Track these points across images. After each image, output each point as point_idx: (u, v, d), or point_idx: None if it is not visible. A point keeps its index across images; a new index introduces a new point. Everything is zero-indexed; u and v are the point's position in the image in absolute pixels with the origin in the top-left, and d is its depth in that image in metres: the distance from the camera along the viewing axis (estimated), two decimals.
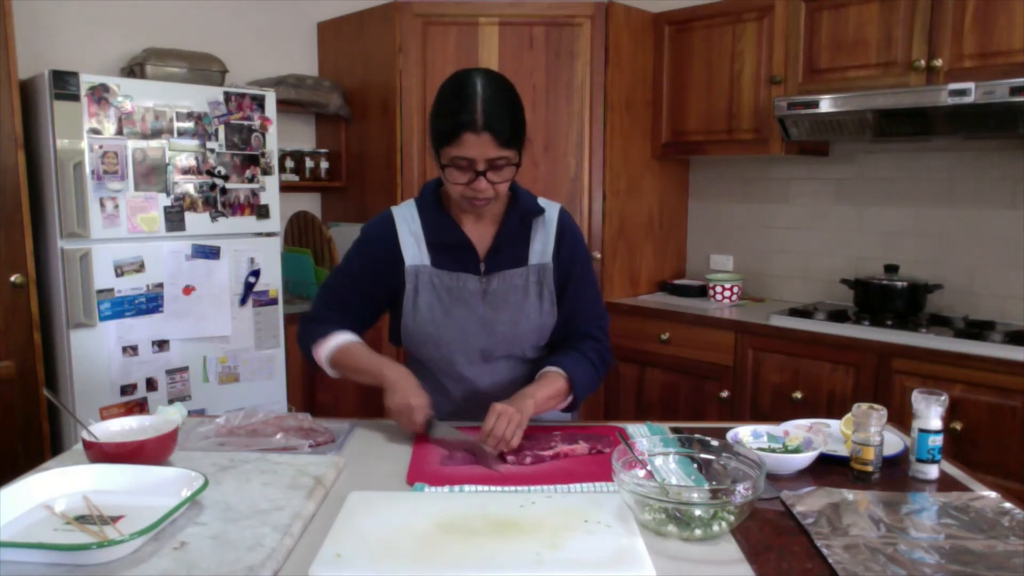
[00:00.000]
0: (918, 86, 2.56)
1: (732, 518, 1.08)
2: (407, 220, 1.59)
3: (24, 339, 2.47)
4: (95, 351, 2.53)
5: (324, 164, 3.51)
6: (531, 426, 1.48)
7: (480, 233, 1.57)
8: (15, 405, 2.46)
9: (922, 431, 1.29)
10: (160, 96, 2.60)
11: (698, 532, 1.07)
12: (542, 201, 1.61)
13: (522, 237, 1.58)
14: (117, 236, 2.55)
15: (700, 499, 1.07)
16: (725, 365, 2.93)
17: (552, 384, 1.51)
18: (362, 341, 1.61)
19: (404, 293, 1.56)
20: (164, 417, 1.41)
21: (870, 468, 1.29)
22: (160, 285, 2.65)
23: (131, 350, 2.60)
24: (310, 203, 3.70)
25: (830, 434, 1.48)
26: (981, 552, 1.03)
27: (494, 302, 1.55)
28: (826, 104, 2.69)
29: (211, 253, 2.75)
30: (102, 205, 2.50)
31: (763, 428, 1.46)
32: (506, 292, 1.55)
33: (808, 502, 1.18)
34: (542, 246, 1.58)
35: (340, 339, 1.57)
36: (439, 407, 1.53)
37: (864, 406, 1.30)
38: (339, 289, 1.63)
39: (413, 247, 1.57)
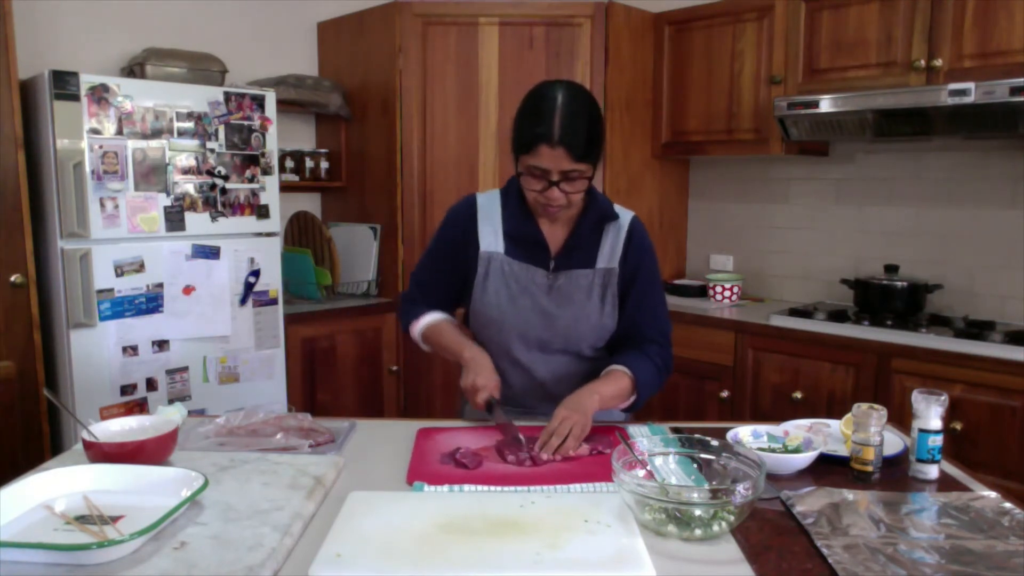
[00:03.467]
0: (918, 86, 2.56)
1: (732, 518, 1.08)
2: (488, 208, 1.66)
3: (24, 339, 2.47)
4: (95, 351, 2.53)
5: (324, 164, 3.51)
6: (533, 426, 1.49)
7: (554, 232, 1.64)
8: (15, 405, 2.46)
9: (922, 431, 1.29)
10: (160, 96, 2.60)
11: (698, 532, 1.07)
12: (619, 208, 1.67)
13: (593, 240, 1.63)
14: (117, 236, 2.54)
15: (700, 499, 1.07)
16: (725, 365, 2.93)
17: (618, 382, 1.54)
18: (451, 319, 1.71)
19: (475, 276, 1.63)
20: (164, 417, 1.41)
21: (870, 468, 1.29)
22: (160, 285, 2.65)
23: (131, 350, 2.60)
24: (310, 203, 3.70)
25: (830, 434, 1.48)
26: (981, 552, 1.03)
27: (558, 298, 1.60)
28: (826, 104, 2.69)
29: (211, 253, 2.75)
30: (102, 205, 2.50)
31: (763, 428, 1.46)
32: (571, 290, 1.60)
33: (808, 502, 1.18)
34: (611, 251, 1.62)
35: (431, 318, 1.69)
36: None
37: (864, 406, 1.30)
38: (424, 270, 1.75)
39: (490, 235, 1.64)
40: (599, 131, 1.51)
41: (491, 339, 1.64)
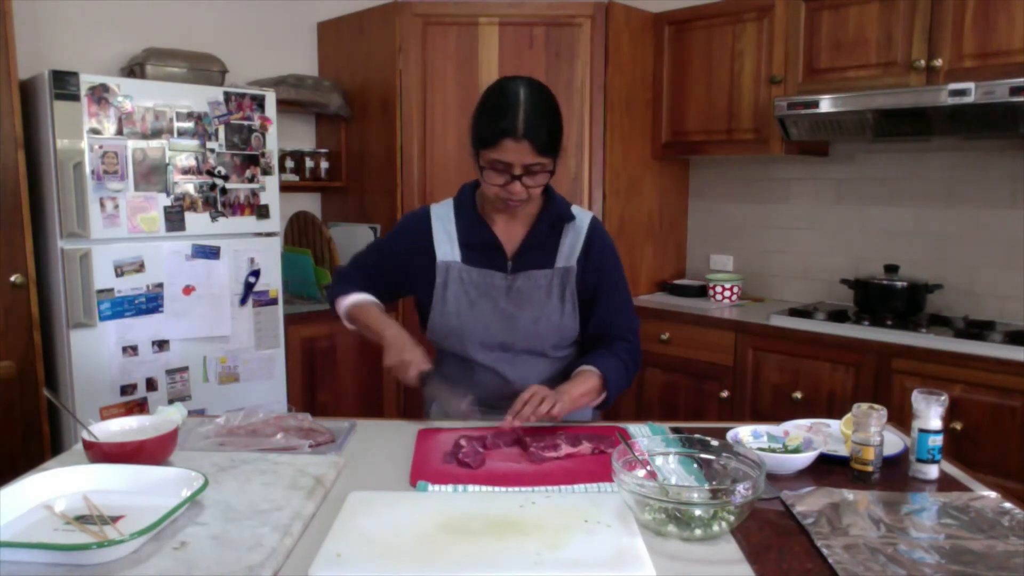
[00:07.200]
0: (918, 86, 2.56)
1: (732, 518, 1.08)
2: (443, 219, 1.68)
3: (24, 339, 2.47)
4: (95, 351, 2.53)
5: (324, 164, 3.51)
6: (532, 427, 1.49)
7: (511, 233, 1.65)
8: (15, 405, 2.46)
9: (922, 431, 1.29)
10: (160, 96, 2.60)
11: (698, 532, 1.07)
12: (575, 209, 1.68)
13: (551, 240, 1.65)
14: (117, 236, 2.54)
15: (700, 499, 1.07)
16: (725, 365, 2.93)
17: (586, 382, 1.57)
18: (379, 303, 1.72)
19: (434, 287, 1.64)
20: (164, 417, 1.41)
21: (870, 468, 1.29)
22: (160, 285, 2.65)
23: (131, 350, 2.60)
24: (310, 203, 3.70)
25: (830, 434, 1.48)
26: (981, 552, 1.03)
27: (517, 299, 1.61)
28: (826, 104, 2.69)
29: (211, 253, 2.75)
30: (102, 205, 2.50)
31: (763, 428, 1.46)
32: (530, 291, 1.62)
33: (808, 502, 1.18)
34: (569, 250, 1.64)
35: (359, 297, 1.71)
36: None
37: (864, 406, 1.30)
38: (368, 259, 1.78)
39: (446, 244, 1.65)
40: (560, 126, 1.54)
41: (453, 347, 1.66)
